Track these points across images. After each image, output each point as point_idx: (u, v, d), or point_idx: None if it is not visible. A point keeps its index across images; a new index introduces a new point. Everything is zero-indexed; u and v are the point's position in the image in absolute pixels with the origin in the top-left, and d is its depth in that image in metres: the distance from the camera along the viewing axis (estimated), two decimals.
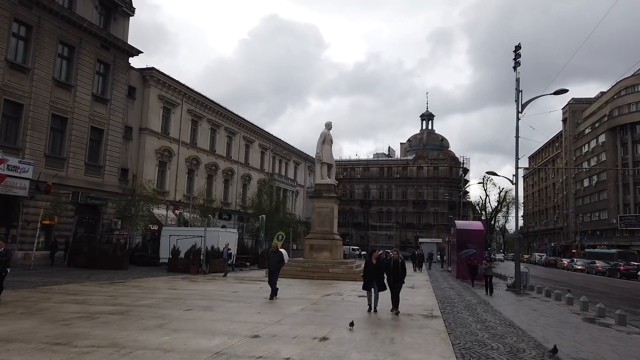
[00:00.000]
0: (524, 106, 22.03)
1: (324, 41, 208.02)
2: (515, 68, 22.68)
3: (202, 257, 23.90)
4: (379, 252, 12.79)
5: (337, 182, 26.80)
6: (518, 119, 21.95)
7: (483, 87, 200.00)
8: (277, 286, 14.58)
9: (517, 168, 22.26)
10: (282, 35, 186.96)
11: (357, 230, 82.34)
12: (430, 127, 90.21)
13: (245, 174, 49.97)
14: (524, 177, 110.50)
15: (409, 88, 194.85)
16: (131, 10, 33.93)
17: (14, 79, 25.19)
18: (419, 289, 19.97)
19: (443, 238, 61.13)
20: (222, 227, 44.58)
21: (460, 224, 30.23)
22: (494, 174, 23.91)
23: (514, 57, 22.85)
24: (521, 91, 22.23)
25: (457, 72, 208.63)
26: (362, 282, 12.33)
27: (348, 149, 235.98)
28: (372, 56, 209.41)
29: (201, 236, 24.25)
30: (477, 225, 29.89)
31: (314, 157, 26.28)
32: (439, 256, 48.82)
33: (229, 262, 27.26)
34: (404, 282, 12.36)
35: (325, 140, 24.92)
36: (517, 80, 22.37)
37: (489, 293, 18.28)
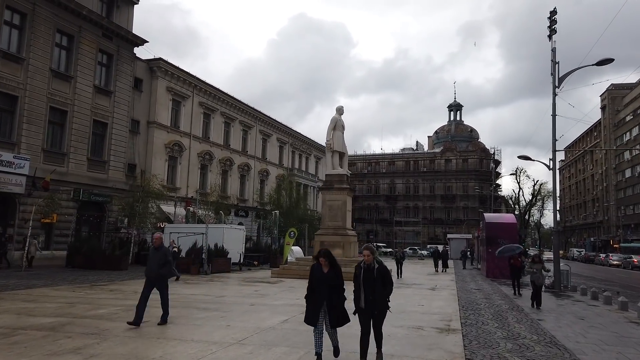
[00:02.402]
0: (561, 80, 19.14)
1: (352, 39, 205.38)
2: (550, 37, 19.80)
3: (203, 257, 21.96)
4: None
5: (349, 172, 24.41)
6: (555, 94, 19.08)
7: (515, 80, 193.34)
8: (165, 303, 8.91)
9: (554, 151, 19.39)
10: (311, 34, 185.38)
11: (383, 226, 79.51)
12: (458, 119, 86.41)
13: (263, 169, 48.06)
14: (560, 170, 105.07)
15: (438, 83, 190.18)
16: None
17: (7, 69, 23.84)
18: (440, 290, 17.42)
19: (473, 234, 57.81)
20: (238, 224, 42.92)
21: (489, 216, 27.36)
22: (528, 158, 21.03)
23: (548, 25, 19.96)
24: (558, 63, 19.34)
25: (488, 65, 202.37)
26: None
27: (376, 146, 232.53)
28: (400, 52, 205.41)
29: (203, 233, 22.31)
30: (508, 218, 26.97)
31: (322, 143, 23.94)
32: (468, 252, 42.55)
33: (237, 262, 25.41)
34: (388, 307, 6.54)
35: (336, 126, 22.57)
36: (553, 50, 19.50)
37: (535, 306, 13.24)
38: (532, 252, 47.25)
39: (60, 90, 26.62)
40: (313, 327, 6.38)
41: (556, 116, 19.29)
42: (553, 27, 19.66)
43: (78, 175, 27.41)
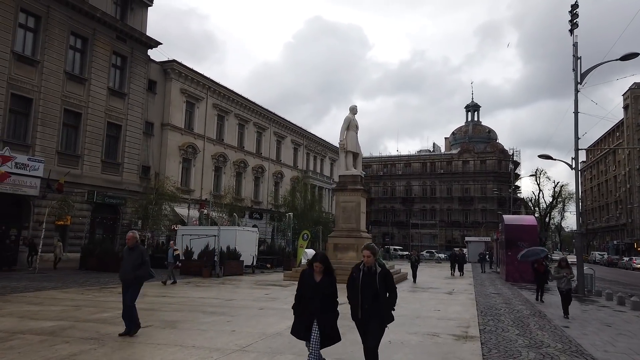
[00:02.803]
0: (583, 76, 18.40)
1: (368, 41, 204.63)
2: (571, 31, 19.07)
3: (215, 259, 21.67)
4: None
5: (364, 173, 23.90)
6: (577, 90, 18.33)
7: (533, 80, 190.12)
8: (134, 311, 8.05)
9: (577, 150, 18.63)
10: (327, 37, 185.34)
11: (400, 229, 78.60)
12: (476, 119, 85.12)
13: (277, 171, 47.80)
14: (581, 171, 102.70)
15: (455, 85, 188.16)
16: (149, 0, 32.38)
17: (22, 72, 23.97)
18: (457, 295, 16.79)
19: (492, 236, 56.66)
20: (253, 226, 42.70)
21: (509, 218, 26.54)
22: (549, 157, 20.22)
23: (569, 19, 19.24)
24: (580, 58, 18.59)
25: (506, 66, 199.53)
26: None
27: (393, 149, 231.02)
28: (416, 54, 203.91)
29: (215, 235, 22.04)
30: (529, 219, 26.11)
31: (337, 145, 23.49)
32: (487, 256, 39.91)
33: (250, 264, 25.06)
34: (391, 320, 5.40)
35: (350, 125, 22.09)
36: (575, 45, 18.76)
37: (566, 315, 11.94)
38: (556, 256, 44.46)
39: (75, 93, 26.69)
40: (306, 342, 5.42)
41: (578, 113, 18.53)
42: (574, 21, 18.95)
43: (92, 178, 27.44)
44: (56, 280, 17.62)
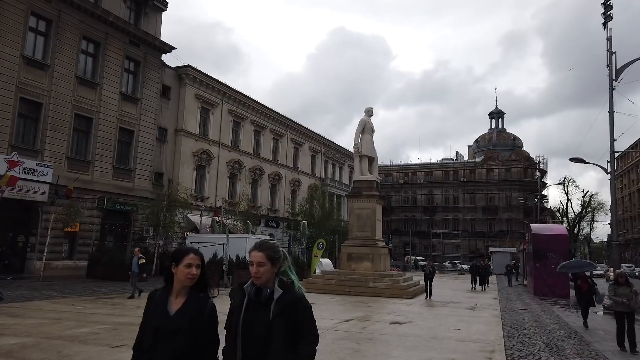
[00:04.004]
0: (619, 72, 16.86)
1: (391, 52, 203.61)
2: (605, 24, 17.56)
3: (223, 269, 20.66)
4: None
5: (379, 178, 22.64)
6: (612, 88, 16.80)
7: (560, 89, 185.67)
8: None
9: (612, 152, 17.06)
10: (350, 47, 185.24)
11: (421, 239, 76.56)
12: (500, 126, 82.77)
13: (294, 179, 46.82)
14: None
15: (479, 94, 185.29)
16: (163, 5, 31.99)
17: (32, 76, 23.60)
18: (480, 310, 15.32)
19: (518, 247, 54.36)
20: (269, 234, 41.68)
21: (537, 227, 24.81)
22: (582, 160, 18.58)
23: (603, 12, 17.74)
24: (614, 53, 17.07)
25: (531, 75, 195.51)
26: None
27: (415, 158, 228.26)
28: (440, 64, 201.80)
29: (223, 243, 21.05)
30: (559, 229, 24.39)
31: (352, 149, 22.31)
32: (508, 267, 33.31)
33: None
34: None
35: (365, 129, 20.93)
36: (609, 39, 17.25)
37: (630, 350, 9.22)
38: (600, 270, 36.06)
39: (86, 97, 26.26)
40: None
41: (614, 113, 16.98)
42: (608, 13, 17.44)
43: (103, 184, 26.89)
44: (55, 289, 16.86)
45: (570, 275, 17.45)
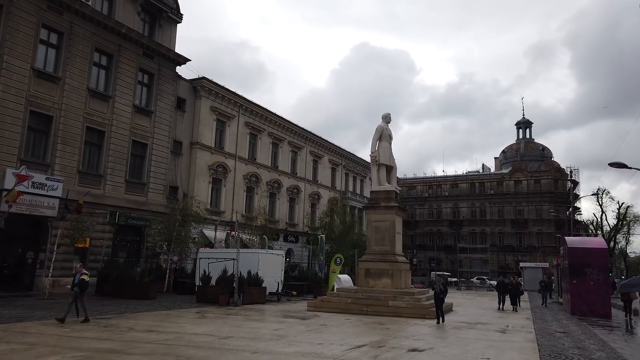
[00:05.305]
0: None
1: (415, 66, 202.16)
2: None
3: (234, 285, 19.50)
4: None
5: (399, 188, 21.22)
6: None
7: (589, 99, 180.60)
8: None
9: None
10: (373, 62, 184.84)
11: (447, 254, 74.04)
12: (528, 136, 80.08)
13: (314, 192, 45.63)
14: None
15: (506, 106, 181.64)
16: (178, 17, 31.62)
17: (42, 88, 23.23)
18: (512, 334, 13.65)
19: (551, 262, 51.68)
20: (287, 250, 40.46)
21: (572, 240, 22.87)
22: (624, 165, 16.70)
23: None
24: None
25: (559, 86, 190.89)
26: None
27: (440, 171, 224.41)
28: (465, 77, 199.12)
29: (234, 259, 19.93)
30: (597, 242, 22.41)
31: (368, 157, 21.00)
32: (542, 284, 29.45)
33: (275, 291, 22.66)
34: None
35: (383, 135, 19.63)
36: None
37: None
38: None
39: (98, 110, 25.81)
40: None
41: None
42: None
43: (115, 198, 26.25)
44: (55, 308, 15.93)
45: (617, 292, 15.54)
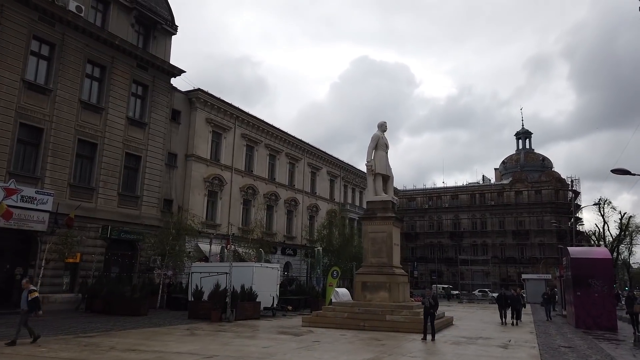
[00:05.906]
0: None
1: (415, 79, 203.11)
2: None
3: (227, 300, 18.87)
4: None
5: (397, 199, 20.70)
6: None
7: (588, 112, 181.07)
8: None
9: None
10: (373, 76, 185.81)
11: (448, 266, 73.16)
12: (528, 147, 79.72)
13: (312, 205, 45.09)
14: None
15: (505, 118, 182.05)
16: (173, 29, 31.41)
17: (32, 100, 22.84)
18: (515, 349, 13.01)
19: (553, 273, 50.88)
20: (285, 263, 39.82)
21: (576, 251, 22.27)
22: (627, 172, 16.14)
23: None
24: None
25: (558, 98, 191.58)
26: None
27: (440, 182, 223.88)
28: (464, 89, 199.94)
29: (226, 273, 19.33)
30: (601, 252, 21.81)
31: (364, 166, 20.50)
32: (545, 296, 27.47)
33: (270, 306, 21.99)
34: None
35: (379, 144, 19.17)
36: None
37: None
38: None
39: (90, 122, 25.40)
40: None
41: None
42: None
43: (107, 212, 25.72)
44: (39, 326, 15.29)
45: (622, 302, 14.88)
